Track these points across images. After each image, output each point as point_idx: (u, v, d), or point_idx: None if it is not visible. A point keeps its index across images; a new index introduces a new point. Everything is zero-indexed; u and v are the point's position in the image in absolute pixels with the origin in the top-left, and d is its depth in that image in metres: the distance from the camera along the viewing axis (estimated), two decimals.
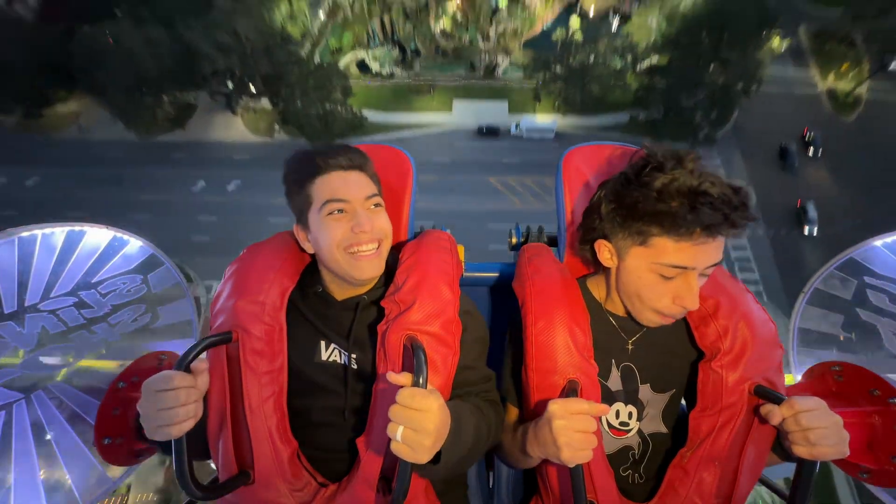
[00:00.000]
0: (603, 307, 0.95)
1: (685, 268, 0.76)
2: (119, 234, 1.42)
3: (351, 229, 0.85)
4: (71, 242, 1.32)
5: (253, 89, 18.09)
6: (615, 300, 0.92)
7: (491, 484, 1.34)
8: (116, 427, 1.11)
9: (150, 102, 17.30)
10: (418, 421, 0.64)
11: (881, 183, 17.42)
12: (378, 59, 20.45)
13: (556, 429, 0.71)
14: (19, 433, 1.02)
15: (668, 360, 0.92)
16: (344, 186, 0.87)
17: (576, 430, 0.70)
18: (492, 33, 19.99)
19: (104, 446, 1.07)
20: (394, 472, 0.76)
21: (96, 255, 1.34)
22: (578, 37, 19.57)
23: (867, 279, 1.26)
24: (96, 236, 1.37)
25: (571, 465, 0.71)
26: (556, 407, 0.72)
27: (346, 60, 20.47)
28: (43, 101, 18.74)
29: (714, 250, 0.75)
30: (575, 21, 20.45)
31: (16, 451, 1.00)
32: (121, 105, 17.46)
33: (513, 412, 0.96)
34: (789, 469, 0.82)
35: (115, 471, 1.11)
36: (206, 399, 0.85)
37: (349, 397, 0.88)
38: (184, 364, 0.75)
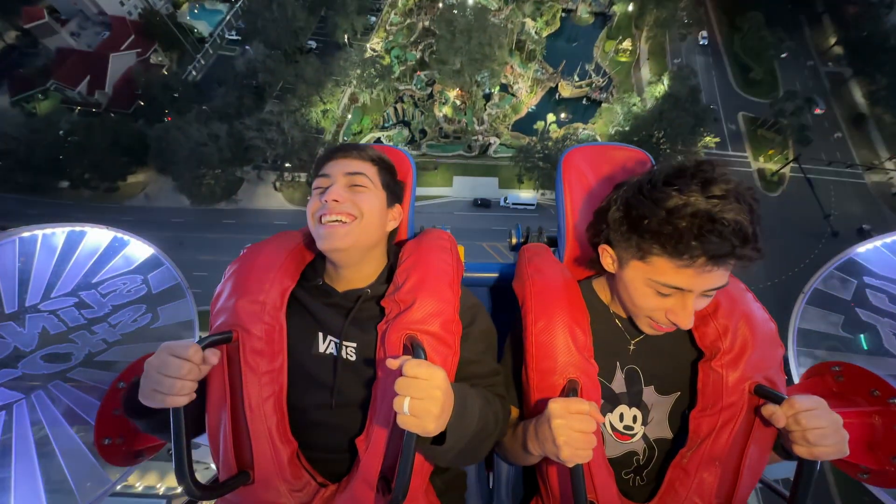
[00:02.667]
0: (609, 309, 0.95)
1: (682, 289, 0.75)
2: (119, 235, 1.42)
3: (321, 199, 0.89)
4: (71, 243, 1.32)
5: (289, 166, 22.42)
6: (619, 302, 0.92)
7: (491, 484, 1.34)
8: (116, 427, 1.11)
9: (208, 179, 21.22)
10: (424, 389, 0.64)
11: (794, 252, 20.97)
12: (391, 139, 24.73)
13: (556, 427, 0.71)
14: (19, 433, 1.02)
15: (672, 361, 0.91)
16: (329, 165, 0.93)
17: (575, 429, 0.70)
18: (485, 117, 24.64)
19: (104, 446, 1.08)
20: (393, 472, 0.75)
21: (97, 255, 1.34)
22: (554, 128, 24.65)
23: (867, 279, 1.26)
24: (97, 237, 1.37)
25: (570, 465, 0.71)
26: (556, 406, 0.72)
27: (365, 140, 25.19)
28: (119, 176, 23.02)
29: (717, 277, 0.72)
30: (551, 116, 25.29)
31: (16, 451, 1.00)
32: (184, 181, 21.29)
33: (513, 412, 0.96)
34: (789, 469, 0.82)
35: (115, 471, 1.11)
36: (206, 399, 0.85)
37: (336, 388, 0.87)
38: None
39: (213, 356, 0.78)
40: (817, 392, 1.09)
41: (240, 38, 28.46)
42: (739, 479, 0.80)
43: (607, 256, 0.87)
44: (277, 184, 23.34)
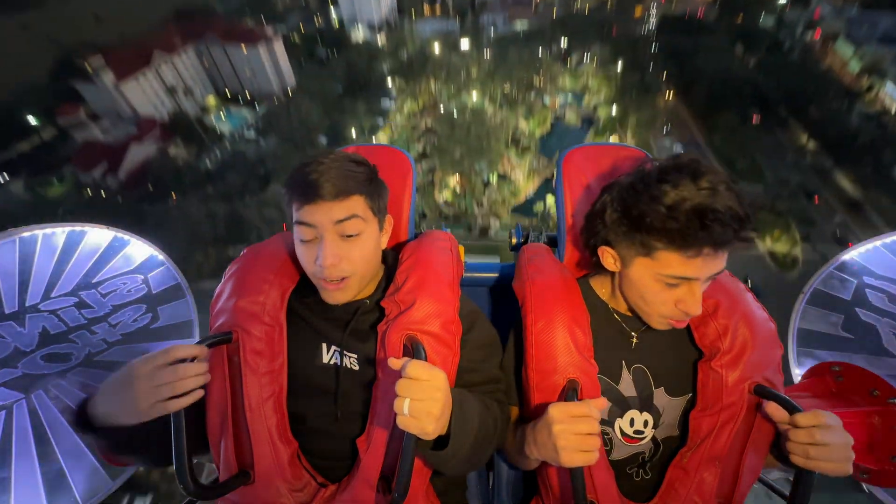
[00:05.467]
0: (608, 306, 0.95)
1: (690, 279, 0.76)
2: (120, 235, 1.42)
3: (314, 260, 0.80)
4: (72, 243, 1.32)
5: None
6: (619, 299, 0.92)
7: (491, 484, 1.34)
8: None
9: (199, 257, 21.68)
10: (425, 390, 0.64)
11: None
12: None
13: (556, 433, 0.70)
14: (19, 433, 1.02)
15: (676, 359, 0.91)
16: (312, 210, 0.78)
17: (575, 433, 0.70)
18: (485, 202, 25.60)
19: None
20: (394, 472, 0.76)
21: (97, 255, 1.34)
22: (553, 210, 23.96)
23: (867, 279, 1.26)
24: (97, 236, 1.37)
25: (570, 467, 0.71)
26: (555, 411, 0.72)
27: None
28: None
29: (720, 261, 0.75)
30: (550, 198, 26.22)
31: (16, 452, 1.00)
32: (174, 258, 22.55)
33: (513, 412, 0.96)
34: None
35: (115, 471, 1.11)
36: (206, 399, 0.85)
37: (340, 399, 0.87)
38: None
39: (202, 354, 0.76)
40: (817, 392, 1.09)
41: (257, 135, 31.07)
42: (739, 479, 0.80)
43: (609, 257, 0.87)
44: None
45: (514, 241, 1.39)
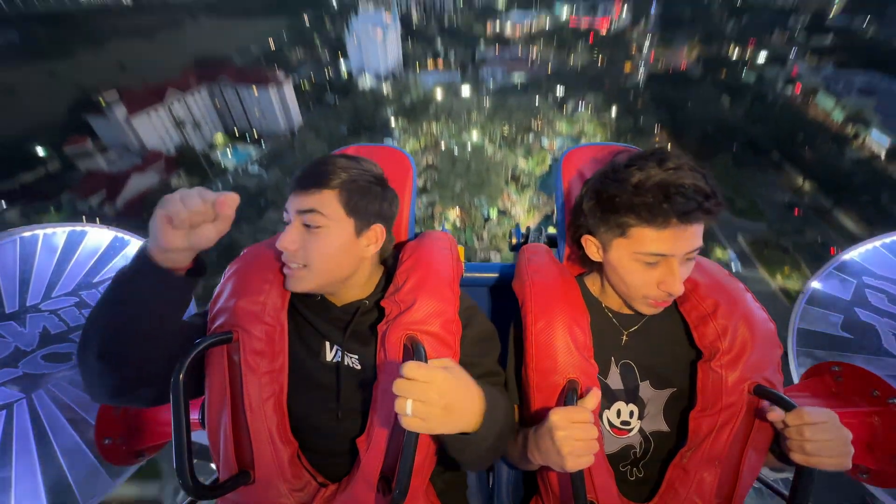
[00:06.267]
0: (601, 303, 0.96)
1: (664, 255, 0.78)
2: (120, 235, 1.42)
3: (277, 243, 0.83)
4: (72, 243, 1.32)
5: None
6: (609, 294, 0.93)
7: (491, 484, 1.34)
8: (117, 427, 1.11)
9: None
10: (425, 392, 0.63)
11: None
12: None
13: (559, 440, 0.70)
14: (20, 433, 1.03)
15: (666, 356, 0.92)
16: (290, 197, 0.84)
17: (577, 438, 0.70)
18: (485, 236, 26.26)
19: (104, 446, 1.08)
20: (394, 471, 0.76)
21: (97, 255, 1.35)
22: None
23: (866, 279, 1.26)
24: (98, 236, 1.38)
25: (573, 471, 0.71)
26: (556, 418, 0.72)
27: None
28: None
29: (692, 236, 0.77)
30: (552, 229, 27.78)
31: (16, 451, 1.00)
32: None
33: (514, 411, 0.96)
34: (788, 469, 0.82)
35: (116, 471, 1.11)
36: (206, 399, 0.85)
37: (342, 397, 0.87)
38: (184, 364, 0.75)
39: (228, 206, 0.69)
40: (817, 392, 1.09)
41: (260, 169, 32.36)
42: (739, 479, 0.80)
43: (591, 246, 0.89)
44: None
45: (514, 241, 1.39)
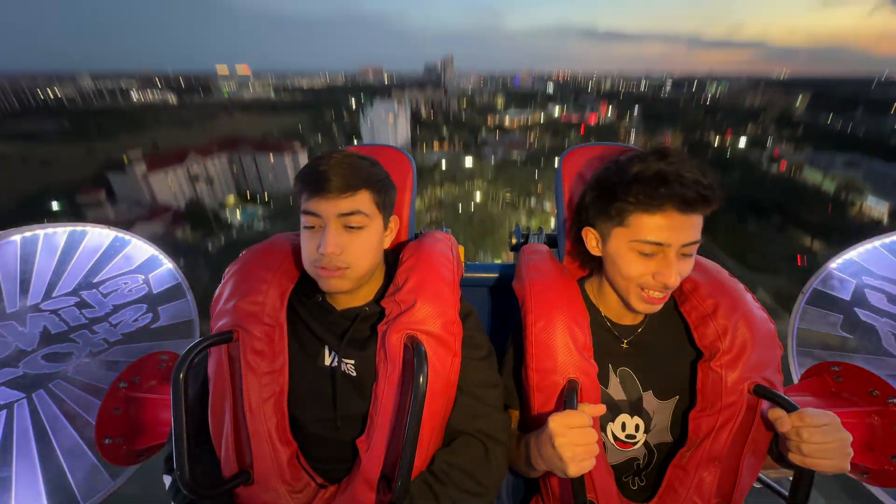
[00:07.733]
0: (599, 311, 0.95)
1: (661, 244, 0.78)
2: (121, 235, 1.42)
3: (317, 248, 0.81)
4: (73, 242, 1.32)
5: None
6: (607, 299, 0.93)
7: None
8: (117, 427, 1.11)
9: None
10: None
11: None
12: None
13: (560, 446, 0.71)
14: (20, 433, 1.03)
15: (668, 364, 0.91)
16: (319, 202, 0.81)
17: (577, 444, 0.71)
18: None
19: (105, 446, 1.08)
20: (394, 472, 0.75)
21: (98, 255, 1.35)
22: None
23: (866, 279, 1.26)
24: (98, 236, 1.38)
25: (576, 476, 0.71)
26: (555, 424, 0.72)
27: None
28: None
29: (689, 227, 0.77)
30: None
31: (17, 451, 1.00)
32: None
33: (514, 416, 0.96)
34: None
35: (115, 471, 1.11)
36: (206, 399, 0.85)
37: (339, 406, 0.86)
38: (184, 364, 0.75)
39: None
40: (816, 392, 1.09)
41: (264, 222, 34.01)
42: (738, 479, 0.80)
43: (591, 238, 0.89)
44: None
45: (514, 241, 1.39)
